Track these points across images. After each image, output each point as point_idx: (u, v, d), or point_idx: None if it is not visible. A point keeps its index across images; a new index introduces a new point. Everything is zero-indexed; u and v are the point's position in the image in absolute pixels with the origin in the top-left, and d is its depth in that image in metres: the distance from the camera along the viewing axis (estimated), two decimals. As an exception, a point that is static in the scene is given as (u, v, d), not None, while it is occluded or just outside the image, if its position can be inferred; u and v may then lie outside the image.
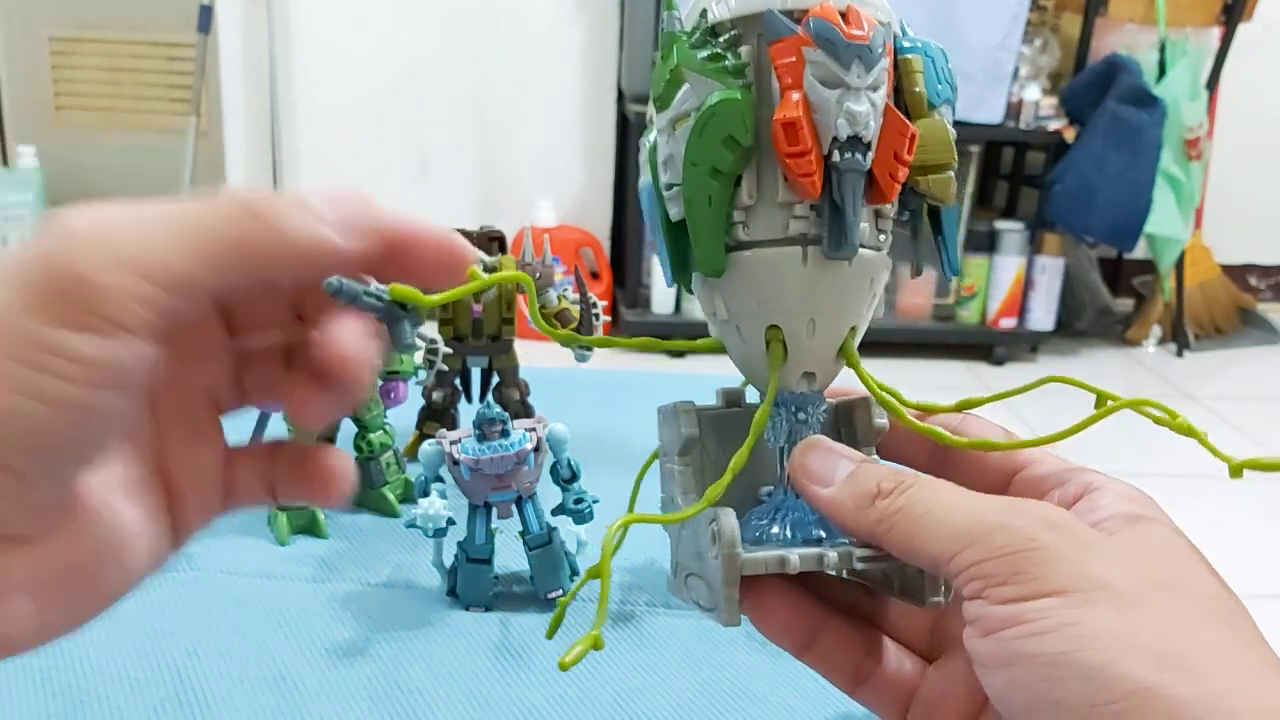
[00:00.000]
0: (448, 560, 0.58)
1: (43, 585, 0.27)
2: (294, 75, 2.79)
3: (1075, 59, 2.80)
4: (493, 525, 0.56)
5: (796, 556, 0.32)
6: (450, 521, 0.55)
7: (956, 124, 0.33)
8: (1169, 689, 0.25)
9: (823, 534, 0.34)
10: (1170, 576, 0.29)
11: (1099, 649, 0.26)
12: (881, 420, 0.35)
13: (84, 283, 0.24)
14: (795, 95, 0.30)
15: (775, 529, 0.34)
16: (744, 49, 0.31)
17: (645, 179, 0.34)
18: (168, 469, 0.31)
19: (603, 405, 0.83)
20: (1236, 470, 0.30)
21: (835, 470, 0.33)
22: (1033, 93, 2.77)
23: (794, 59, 0.30)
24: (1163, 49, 2.70)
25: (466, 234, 0.64)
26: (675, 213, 0.32)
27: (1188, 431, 0.31)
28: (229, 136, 2.83)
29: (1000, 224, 2.88)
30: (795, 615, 0.35)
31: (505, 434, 0.53)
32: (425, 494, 0.55)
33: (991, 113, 2.72)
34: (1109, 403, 0.33)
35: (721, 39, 0.31)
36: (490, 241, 0.69)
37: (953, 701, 0.35)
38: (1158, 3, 2.69)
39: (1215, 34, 2.81)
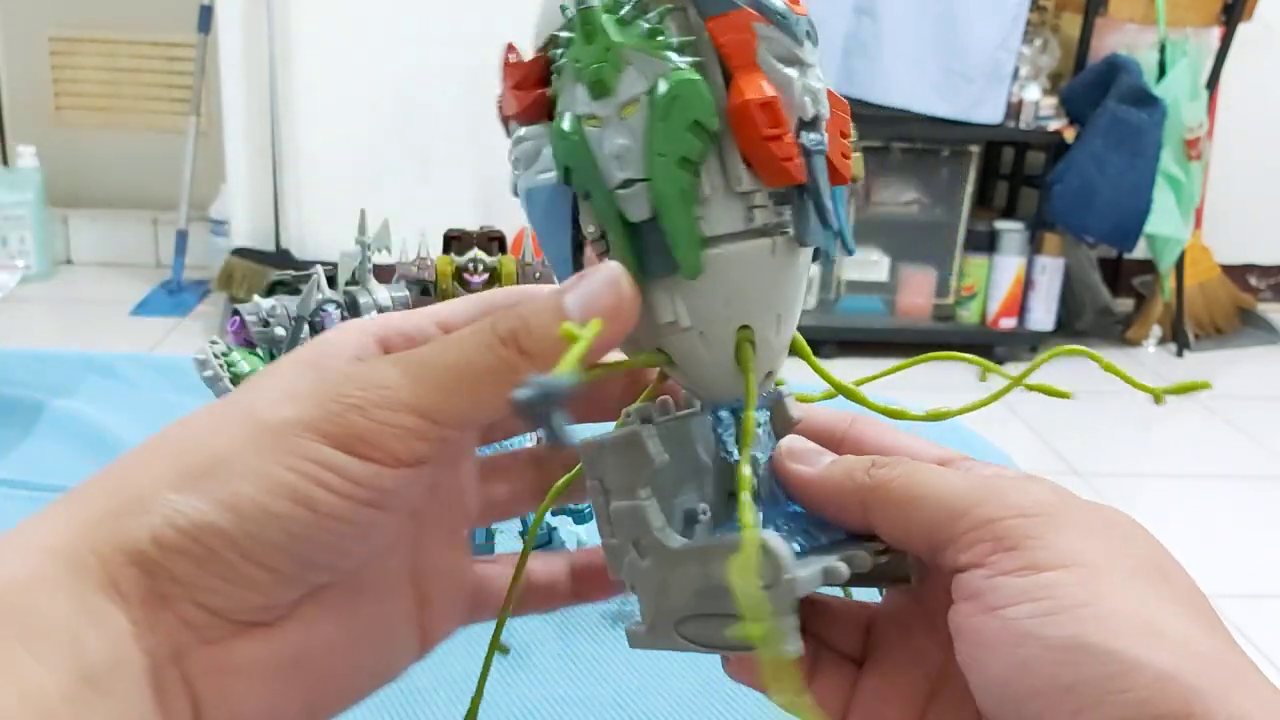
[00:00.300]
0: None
1: (274, 669, 0.28)
2: (294, 75, 2.79)
3: (1075, 59, 2.80)
4: (493, 525, 0.56)
5: (843, 564, 0.28)
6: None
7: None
8: (1188, 677, 0.24)
9: (812, 539, 0.31)
10: (1163, 565, 0.28)
11: (1116, 633, 0.25)
12: (798, 411, 0.33)
13: (367, 417, 0.26)
14: (753, 74, 0.28)
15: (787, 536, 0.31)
16: (675, 24, 0.28)
17: (541, 178, 0.29)
18: (420, 571, 0.32)
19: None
20: (1159, 397, 0.31)
21: (820, 459, 0.31)
22: (1033, 93, 2.77)
23: (744, 35, 0.28)
24: (1163, 49, 2.70)
25: (466, 234, 0.64)
26: (637, 213, 0.28)
27: (1109, 368, 0.33)
28: (229, 136, 2.83)
29: (1000, 224, 2.88)
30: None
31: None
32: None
33: (991, 113, 2.71)
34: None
35: (652, 13, 0.28)
36: (490, 241, 0.69)
37: (894, 707, 0.31)
38: (1158, 3, 2.69)
39: (1215, 34, 2.81)
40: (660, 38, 0.28)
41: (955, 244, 2.89)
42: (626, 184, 0.28)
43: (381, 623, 0.31)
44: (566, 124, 0.28)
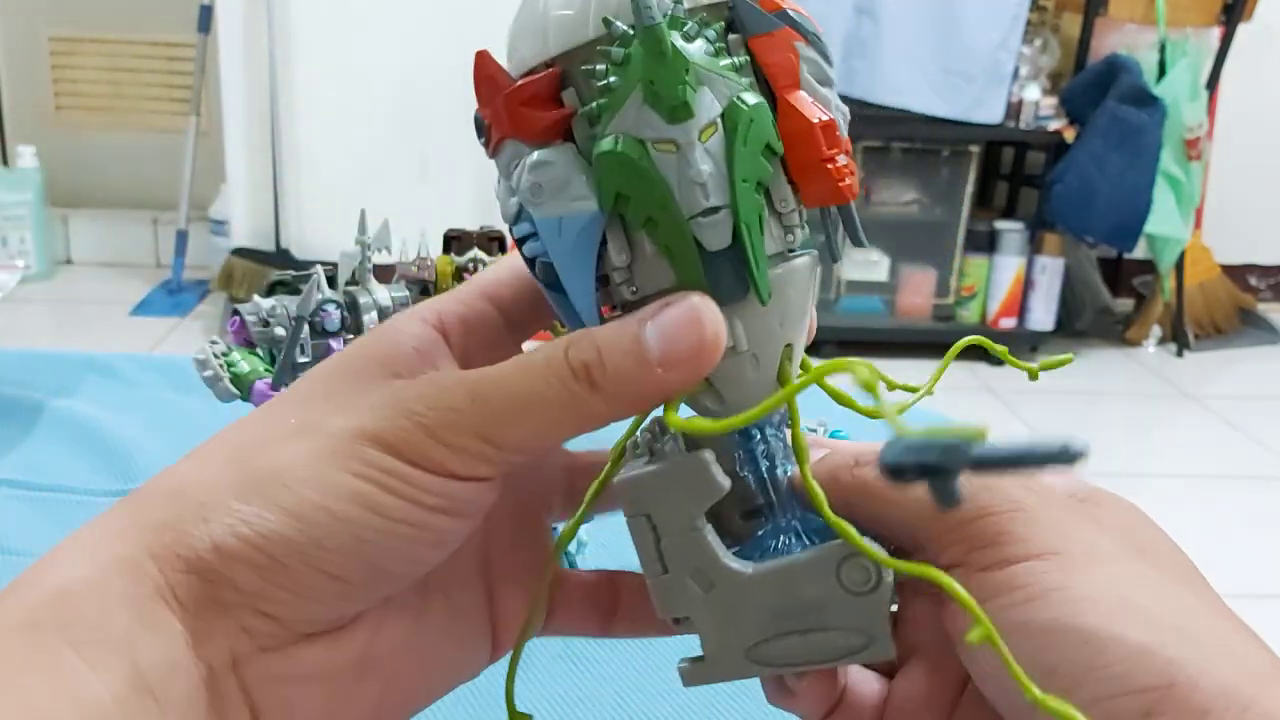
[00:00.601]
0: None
1: (338, 675, 0.28)
2: (294, 75, 2.79)
3: (1075, 59, 2.80)
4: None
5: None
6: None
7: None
8: (1166, 650, 0.24)
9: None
10: (1144, 542, 0.28)
11: (1093, 612, 0.25)
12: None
13: (434, 437, 0.26)
14: (802, 95, 0.28)
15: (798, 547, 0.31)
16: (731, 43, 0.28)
17: (577, 206, 0.27)
18: (491, 568, 0.32)
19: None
20: (1035, 374, 0.31)
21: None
22: (1033, 93, 2.77)
23: (788, 55, 0.28)
24: (1163, 49, 2.70)
25: (466, 234, 0.64)
26: (718, 241, 0.27)
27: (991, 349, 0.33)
28: (229, 136, 2.83)
29: (1000, 224, 2.88)
30: None
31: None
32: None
33: (991, 113, 2.72)
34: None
35: (710, 30, 0.27)
36: (490, 241, 0.69)
37: (927, 711, 0.31)
38: (1158, 3, 2.69)
39: (1215, 34, 2.81)
40: (726, 58, 0.27)
41: (955, 244, 2.89)
42: (708, 212, 0.27)
43: (451, 622, 0.31)
44: (627, 148, 0.26)
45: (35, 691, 0.23)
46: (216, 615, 0.26)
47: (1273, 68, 3.05)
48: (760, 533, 0.31)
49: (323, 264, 0.58)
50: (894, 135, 2.81)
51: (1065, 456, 0.22)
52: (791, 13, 0.28)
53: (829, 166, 0.28)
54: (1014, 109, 2.76)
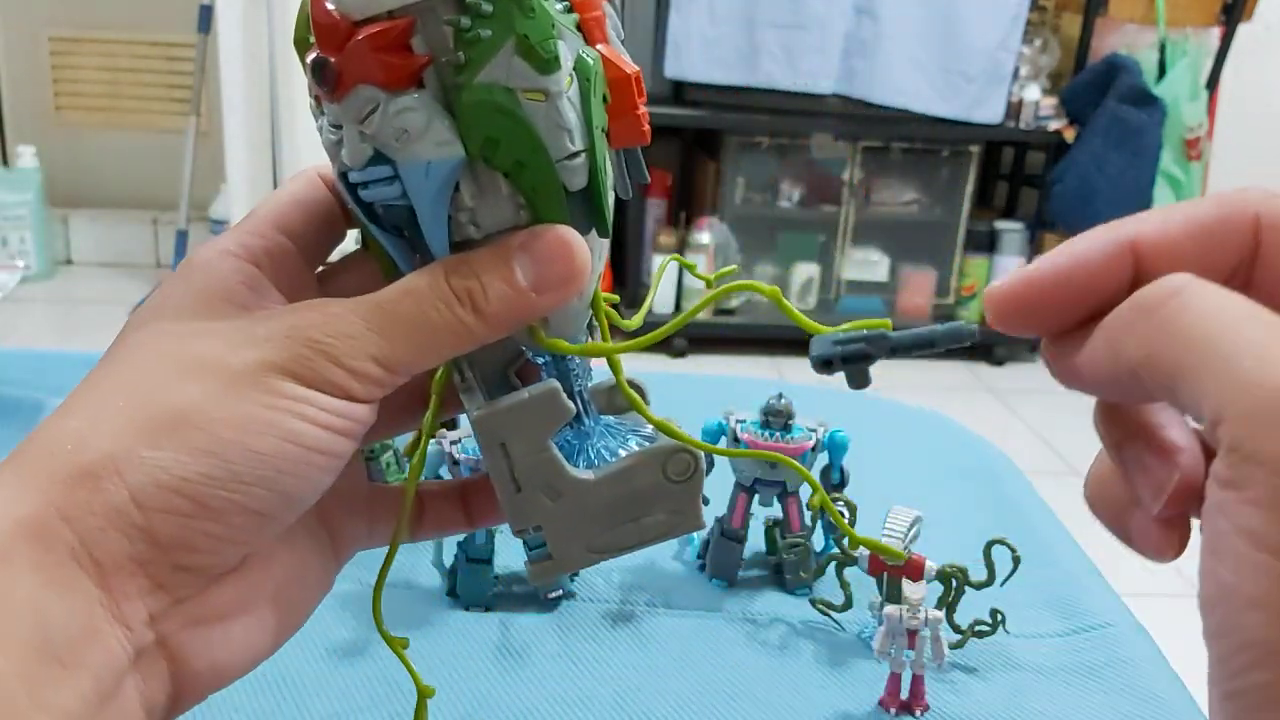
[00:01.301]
0: (448, 560, 0.58)
1: (250, 610, 0.30)
2: (294, 75, 2.79)
3: (1075, 59, 2.80)
4: (493, 525, 0.56)
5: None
6: (450, 521, 0.55)
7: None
8: None
9: (640, 438, 0.35)
10: None
11: None
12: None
13: (337, 363, 0.28)
14: (613, 48, 0.30)
15: (621, 451, 0.34)
16: None
17: (444, 151, 0.28)
18: (325, 501, 0.32)
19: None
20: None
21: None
22: (1033, 93, 2.77)
23: (599, 14, 0.30)
24: (1163, 49, 2.70)
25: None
26: (579, 182, 0.30)
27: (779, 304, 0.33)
28: (229, 136, 2.83)
29: (1000, 224, 2.88)
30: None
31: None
32: (436, 476, 0.55)
33: (991, 113, 2.72)
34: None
35: None
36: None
37: None
38: (1158, 3, 2.69)
39: (1215, 34, 2.81)
40: (568, 14, 0.29)
41: (955, 244, 2.89)
42: (572, 156, 0.29)
43: (311, 541, 0.32)
44: (500, 97, 0.28)
45: None
46: (134, 573, 0.26)
47: (1273, 68, 3.05)
48: (570, 439, 0.34)
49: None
50: (894, 135, 2.81)
51: (960, 337, 0.28)
52: None
53: (638, 113, 0.30)
54: (1014, 109, 2.76)
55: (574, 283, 0.30)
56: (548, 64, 0.28)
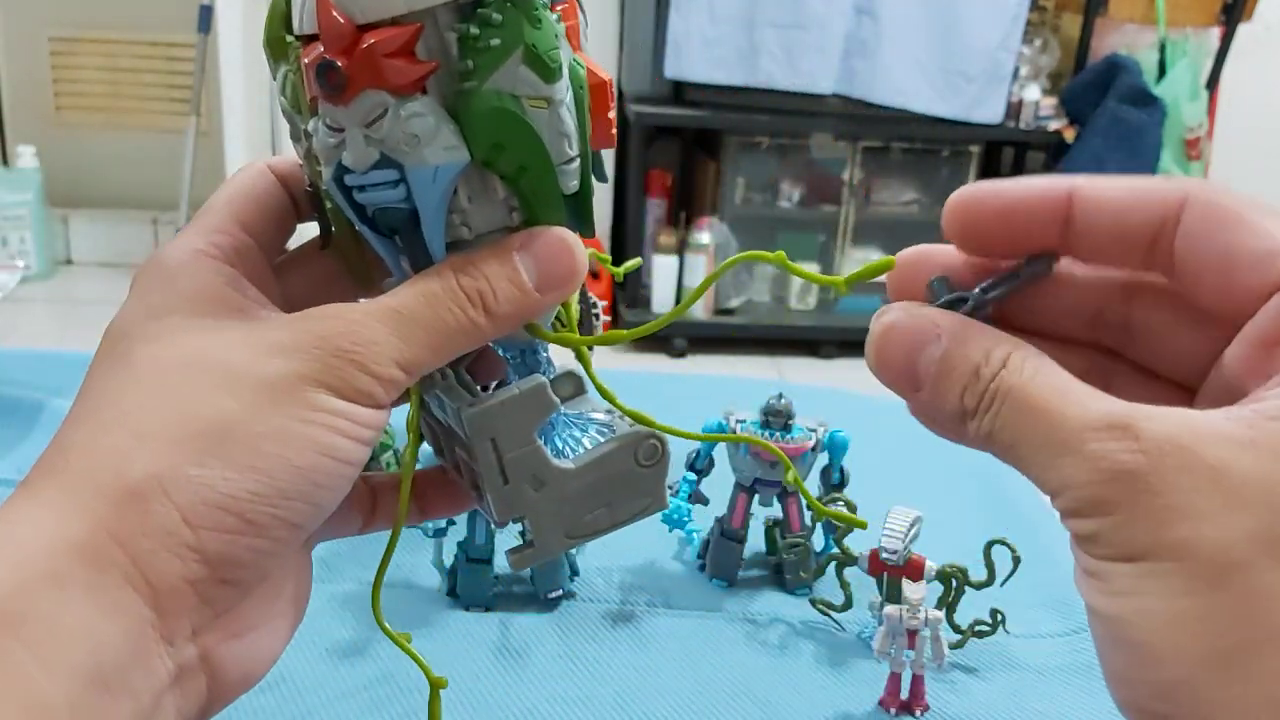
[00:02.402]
0: (448, 560, 0.58)
1: (273, 617, 0.30)
2: (294, 75, 2.79)
3: (1075, 59, 2.80)
4: (493, 526, 0.56)
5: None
6: (450, 522, 0.55)
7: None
8: (1209, 691, 0.22)
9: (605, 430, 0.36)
10: None
11: (1148, 628, 0.23)
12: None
13: (366, 370, 0.28)
14: (587, 54, 0.31)
15: (586, 440, 0.35)
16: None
17: (452, 156, 0.29)
18: None
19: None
20: (843, 287, 0.32)
21: (918, 359, 0.27)
22: (1033, 93, 2.77)
23: (575, 22, 0.30)
24: (1163, 49, 2.70)
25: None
26: (572, 185, 0.31)
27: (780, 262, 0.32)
28: (229, 136, 2.83)
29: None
30: None
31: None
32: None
33: (991, 113, 2.71)
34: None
35: None
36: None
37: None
38: (1158, 3, 2.69)
39: (1215, 34, 2.81)
40: (560, 23, 0.29)
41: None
42: (569, 160, 0.30)
43: (314, 540, 0.33)
44: (509, 104, 0.29)
45: None
46: (185, 592, 0.26)
47: (1273, 68, 3.05)
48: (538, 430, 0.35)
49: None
50: (894, 135, 2.81)
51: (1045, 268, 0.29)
52: None
53: (609, 118, 0.31)
54: (1014, 109, 2.76)
55: (575, 280, 0.31)
56: (553, 73, 0.29)
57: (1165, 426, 0.23)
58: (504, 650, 0.54)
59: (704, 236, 2.76)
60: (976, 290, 0.29)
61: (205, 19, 2.80)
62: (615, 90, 0.32)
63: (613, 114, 0.32)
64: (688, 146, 2.98)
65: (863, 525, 0.40)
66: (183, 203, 2.92)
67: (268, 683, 0.50)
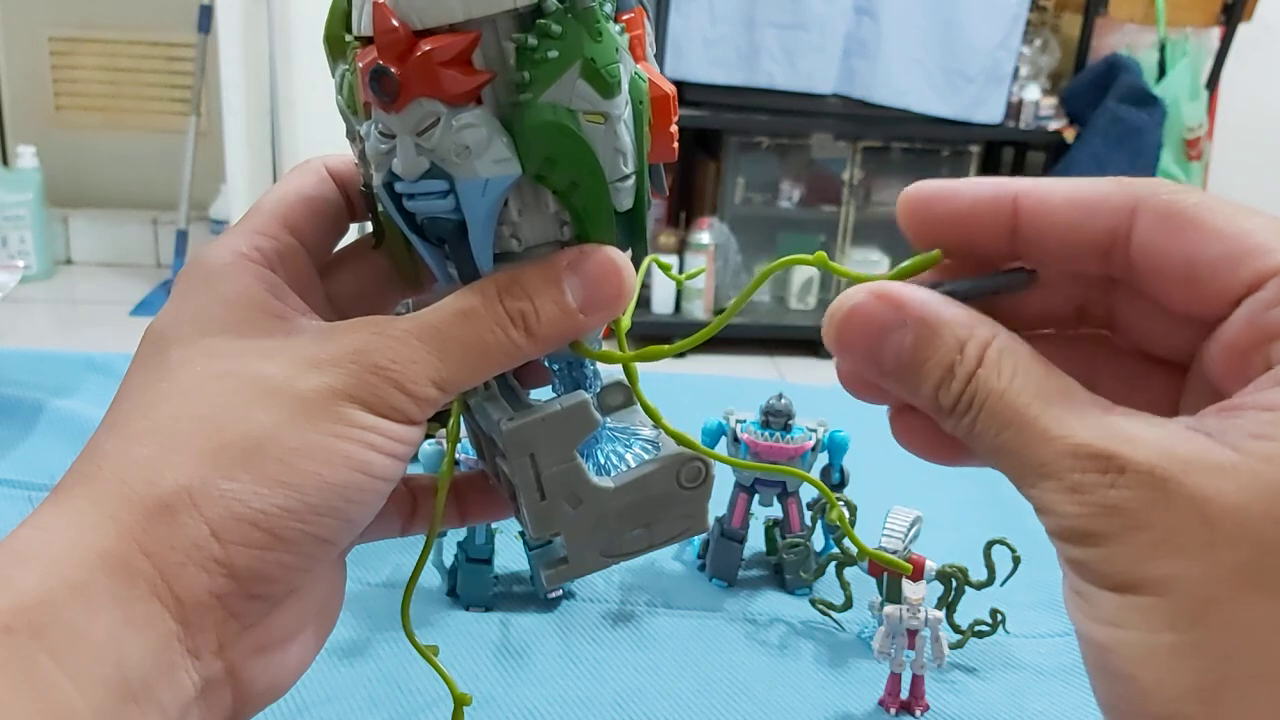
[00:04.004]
0: (448, 560, 0.58)
1: (302, 629, 0.30)
2: (294, 75, 2.79)
3: (1075, 59, 2.80)
4: (493, 525, 0.56)
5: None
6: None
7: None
8: None
9: (650, 448, 0.35)
10: None
11: (1133, 659, 0.23)
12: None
13: (402, 389, 0.28)
14: (652, 66, 0.30)
15: (629, 455, 0.35)
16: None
17: (502, 168, 0.28)
18: None
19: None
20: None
21: (882, 349, 0.26)
22: (1033, 93, 2.77)
23: (641, 33, 0.30)
24: (1163, 49, 2.70)
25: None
26: (627, 203, 0.30)
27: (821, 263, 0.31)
28: (229, 136, 2.83)
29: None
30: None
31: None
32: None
33: (991, 113, 2.71)
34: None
35: (608, 7, 0.28)
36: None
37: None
38: (1158, 3, 2.69)
39: (1215, 34, 2.81)
40: (623, 34, 0.29)
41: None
42: (624, 178, 0.29)
43: (349, 546, 0.32)
44: (564, 118, 0.28)
45: (7, 704, 0.23)
46: (212, 606, 0.26)
47: (1273, 68, 3.05)
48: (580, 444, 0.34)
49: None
50: (894, 135, 2.81)
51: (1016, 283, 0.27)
52: None
53: (671, 131, 0.30)
54: (1014, 109, 2.76)
55: (621, 303, 0.30)
56: (611, 88, 0.28)
57: (1149, 456, 0.22)
58: (504, 650, 0.54)
59: (704, 236, 2.76)
60: (946, 284, 0.27)
61: (205, 19, 2.80)
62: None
63: (675, 127, 0.31)
64: (688, 146, 2.98)
65: (907, 570, 0.39)
66: (183, 203, 2.92)
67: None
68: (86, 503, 0.26)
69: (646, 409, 0.33)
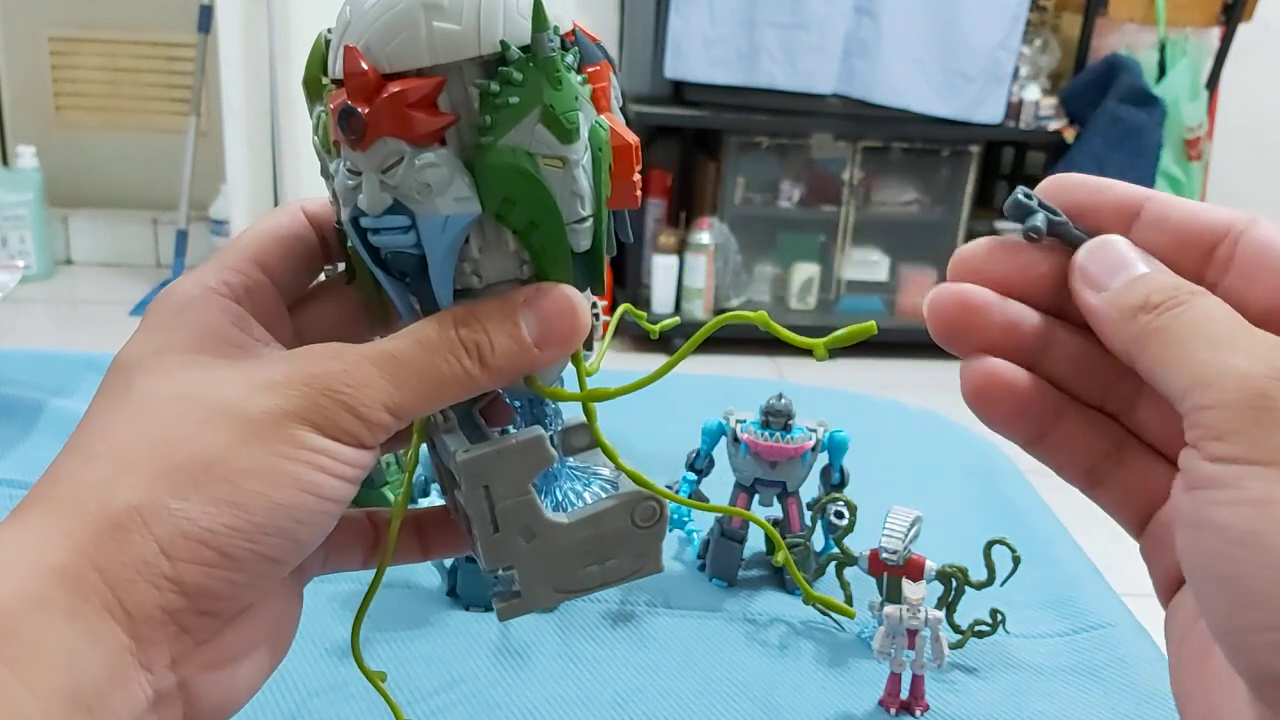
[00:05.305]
0: (448, 560, 0.58)
1: (255, 648, 0.30)
2: (294, 75, 2.79)
3: (1075, 59, 2.80)
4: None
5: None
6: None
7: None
8: None
9: (608, 486, 0.36)
10: None
11: None
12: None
13: (354, 413, 0.29)
14: (615, 116, 0.31)
15: (587, 494, 0.36)
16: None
17: (462, 206, 0.29)
18: None
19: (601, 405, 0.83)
20: (821, 352, 0.34)
21: (1115, 274, 0.29)
22: (1033, 93, 2.77)
23: (605, 85, 0.31)
24: (1163, 49, 2.70)
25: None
26: (584, 244, 0.31)
27: (769, 326, 0.33)
28: (229, 136, 2.83)
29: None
30: (1026, 405, 0.31)
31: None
32: (425, 494, 0.55)
33: (991, 113, 2.72)
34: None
35: (570, 57, 0.30)
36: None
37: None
38: (1158, 3, 2.69)
39: (1215, 34, 2.81)
40: (585, 85, 0.30)
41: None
42: (581, 220, 0.31)
43: (292, 577, 0.33)
44: (523, 161, 0.29)
45: None
46: (163, 621, 0.27)
47: (1273, 68, 3.05)
48: (538, 480, 0.35)
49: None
50: (894, 135, 2.81)
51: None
52: (600, 45, 0.31)
53: (634, 179, 0.32)
54: (1014, 109, 2.76)
55: (575, 340, 0.31)
56: (569, 134, 0.29)
57: None
58: (504, 650, 0.54)
59: (704, 236, 2.77)
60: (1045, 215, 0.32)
61: (205, 19, 2.80)
62: (641, 153, 0.32)
63: (638, 176, 0.32)
64: (688, 146, 2.98)
65: (849, 614, 0.40)
66: (182, 203, 2.92)
67: (267, 682, 0.50)
68: (42, 520, 0.27)
69: (604, 448, 0.34)
